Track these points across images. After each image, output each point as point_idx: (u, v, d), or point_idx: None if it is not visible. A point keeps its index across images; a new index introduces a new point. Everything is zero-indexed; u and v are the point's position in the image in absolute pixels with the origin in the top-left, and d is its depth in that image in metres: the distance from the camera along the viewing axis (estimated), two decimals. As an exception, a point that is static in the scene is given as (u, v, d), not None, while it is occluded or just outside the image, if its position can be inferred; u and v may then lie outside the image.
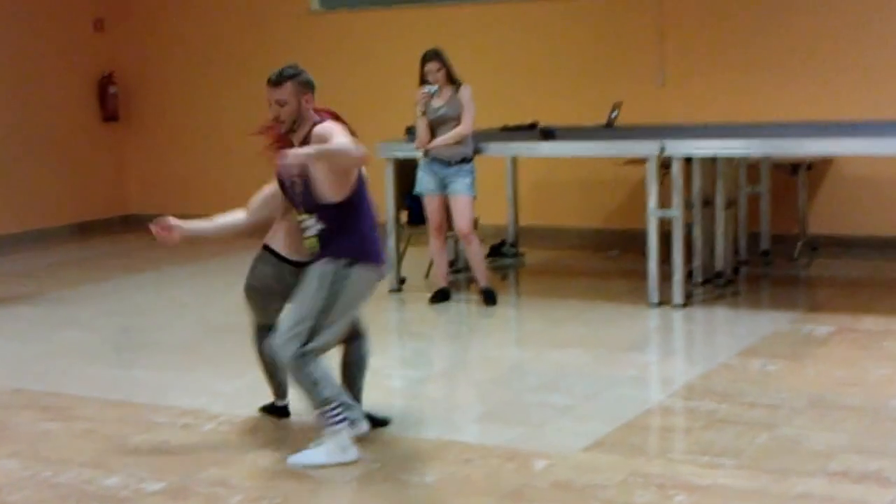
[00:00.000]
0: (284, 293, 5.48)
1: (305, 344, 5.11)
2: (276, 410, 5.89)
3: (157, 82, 13.43)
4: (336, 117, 5.40)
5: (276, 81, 5.23)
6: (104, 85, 13.38)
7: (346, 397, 5.29)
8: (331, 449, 5.16)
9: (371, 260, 5.29)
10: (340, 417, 5.15)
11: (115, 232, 13.27)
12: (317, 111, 5.35)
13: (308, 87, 5.28)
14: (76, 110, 13.17)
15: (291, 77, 5.24)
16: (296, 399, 5.54)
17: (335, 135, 5.11)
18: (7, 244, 12.12)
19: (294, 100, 5.22)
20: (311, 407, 5.19)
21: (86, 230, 13.12)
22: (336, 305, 5.17)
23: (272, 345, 5.22)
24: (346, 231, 5.24)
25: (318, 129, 5.22)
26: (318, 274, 5.21)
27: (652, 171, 8.25)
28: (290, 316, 5.23)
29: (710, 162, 8.88)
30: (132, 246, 12.33)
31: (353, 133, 5.28)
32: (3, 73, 12.31)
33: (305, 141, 5.23)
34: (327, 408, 5.13)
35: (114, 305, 9.23)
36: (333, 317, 5.17)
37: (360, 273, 5.23)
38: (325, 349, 5.22)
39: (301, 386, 5.15)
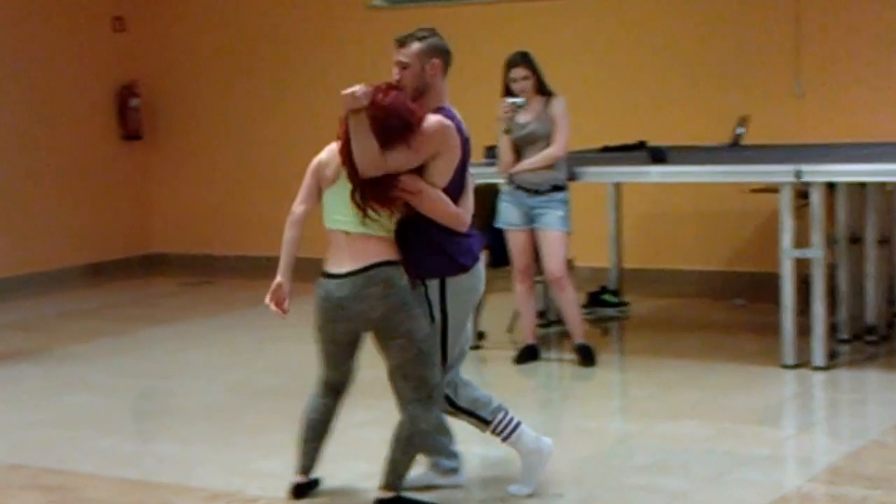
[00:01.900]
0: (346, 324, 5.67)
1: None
2: (309, 487, 5.93)
3: (186, 94, 13.59)
4: (459, 129, 5.64)
5: (402, 40, 5.65)
6: (124, 97, 13.56)
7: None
8: (530, 461, 5.90)
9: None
10: (515, 422, 5.87)
11: (134, 275, 13.41)
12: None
13: (437, 52, 5.67)
14: (91, 127, 13.34)
15: (421, 38, 5.65)
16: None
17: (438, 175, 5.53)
18: (7, 289, 12.25)
19: (417, 62, 5.60)
20: (484, 430, 5.86)
21: (100, 273, 13.26)
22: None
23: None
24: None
25: (431, 125, 5.52)
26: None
27: (786, 200, 8.19)
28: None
29: (859, 189, 8.79)
30: (155, 292, 12.45)
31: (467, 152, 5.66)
32: (3, 82, 12.51)
33: None
34: (498, 420, 5.84)
35: (132, 364, 9.31)
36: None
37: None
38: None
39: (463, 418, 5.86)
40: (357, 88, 5.41)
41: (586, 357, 8.56)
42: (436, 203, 5.53)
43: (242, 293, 11.93)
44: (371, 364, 5.88)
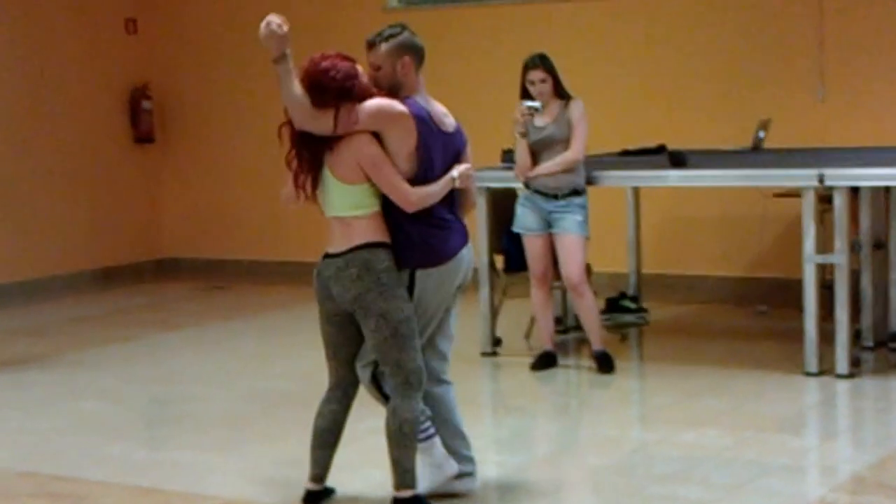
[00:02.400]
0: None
1: None
2: (322, 495, 5.94)
3: (199, 96, 13.60)
4: (419, 117, 5.70)
5: (371, 42, 5.76)
6: (136, 99, 13.57)
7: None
8: (431, 472, 5.79)
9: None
10: (432, 432, 5.78)
11: (146, 280, 13.43)
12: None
13: (406, 49, 5.75)
14: (103, 130, 13.35)
15: (389, 38, 5.74)
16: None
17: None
18: (16, 294, 12.28)
19: (388, 62, 5.71)
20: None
21: (112, 277, 13.28)
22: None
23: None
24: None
25: (375, 102, 5.61)
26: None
27: (809, 205, 8.16)
28: None
29: (883, 194, 8.78)
30: (167, 297, 12.46)
31: (456, 155, 5.82)
32: (12, 83, 12.54)
33: None
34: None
35: (144, 370, 9.32)
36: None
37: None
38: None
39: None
40: (271, 18, 5.72)
41: (605, 364, 8.54)
42: (385, 172, 5.59)
43: (256, 298, 11.94)
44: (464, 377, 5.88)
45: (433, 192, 5.69)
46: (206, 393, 8.55)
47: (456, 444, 5.97)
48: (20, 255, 12.49)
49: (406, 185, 5.61)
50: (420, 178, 5.68)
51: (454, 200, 5.85)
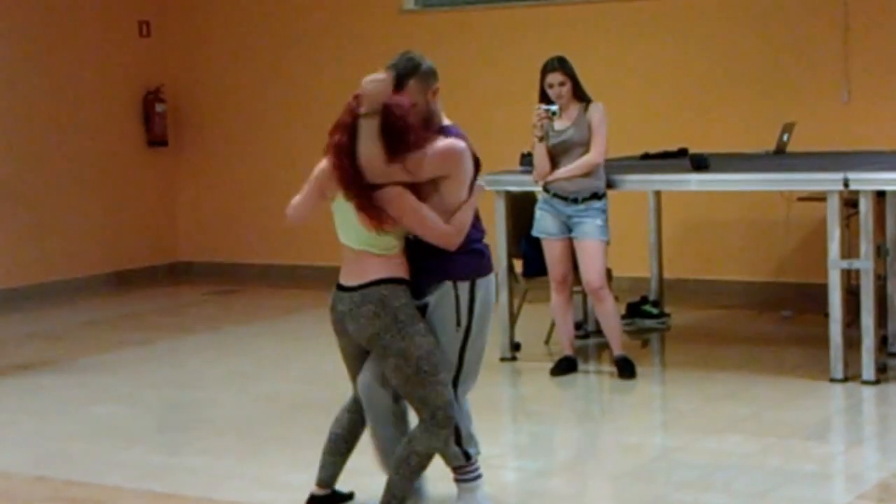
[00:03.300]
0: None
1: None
2: (328, 500, 5.93)
3: (213, 99, 13.62)
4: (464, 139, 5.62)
5: (397, 82, 5.56)
6: (150, 102, 13.61)
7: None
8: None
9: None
10: (479, 472, 5.72)
11: (160, 283, 13.45)
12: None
13: (432, 77, 5.66)
14: (116, 133, 13.39)
15: (412, 72, 5.60)
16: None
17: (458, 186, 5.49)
18: (31, 297, 12.32)
19: (421, 97, 5.58)
20: (448, 459, 5.66)
21: (126, 281, 13.31)
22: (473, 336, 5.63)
23: None
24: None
25: (441, 149, 5.48)
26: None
27: (833, 209, 8.15)
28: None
29: (909, 198, 8.75)
30: (181, 301, 12.48)
31: (476, 168, 5.63)
32: (27, 87, 12.58)
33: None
34: (469, 462, 5.67)
35: (158, 374, 9.34)
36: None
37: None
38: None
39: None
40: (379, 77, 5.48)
41: (626, 369, 8.53)
42: (424, 221, 5.47)
43: (270, 302, 11.96)
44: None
45: (468, 212, 5.57)
46: (222, 397, 8.57)
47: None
48: (34, 258, 12.53)
49: (445, 226, 5.49)
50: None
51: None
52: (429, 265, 5.56)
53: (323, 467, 5.91)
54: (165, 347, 10.23)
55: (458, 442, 5.65)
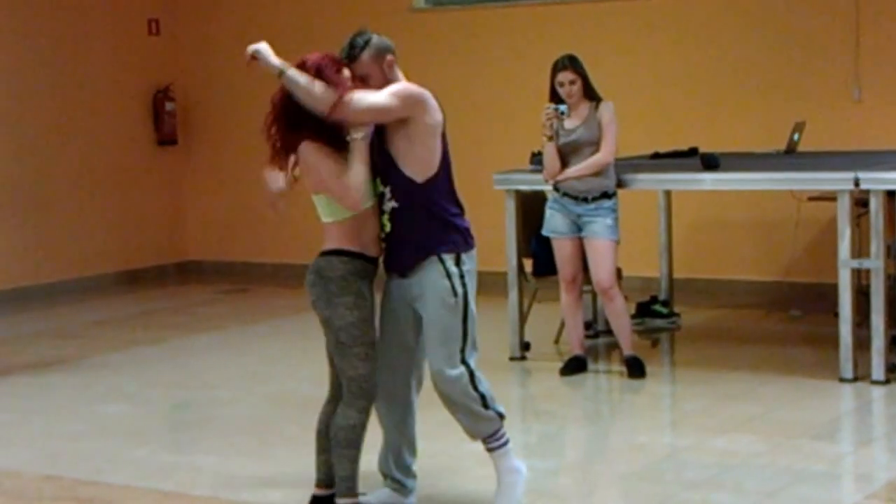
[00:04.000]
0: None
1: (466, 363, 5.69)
2: (329, 500, 5.95)
3: (223, 98, 13.64)
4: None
5: (349, 56, 5.73)
6: (160, 101, 13.64)
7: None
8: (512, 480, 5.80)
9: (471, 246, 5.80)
10: (507, 437, 5.81)
11: (170, 282, 13.49)
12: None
13: (386, 50, 5.76)
14: (125, 132, 13.42)
15: (364, 45, 5.73)
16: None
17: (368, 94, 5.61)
18: (40, 297, 12.36)
19: (376, 68, 5.72)
20: (474, 430, 5.75)
21: (135, 280, 13.34)
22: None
23: (438, 383, 5.66)
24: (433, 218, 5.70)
25: (394, 85, 5.66)
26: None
27: (844, 209, 8.15)
28: (434, 346, 5.68)
29: (920, 198, 8.75)
30: (191, 300, 12.50)
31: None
32: (36, 86, 12.62)
33: None
34: (499, 427, 5.75)
35: (168, 374, 9.36)
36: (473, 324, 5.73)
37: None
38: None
39: (466, 406, 5.70)
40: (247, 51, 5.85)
41: (636, 369, 8.54)
42: (321, 178, 5.63)
43: (280, 301, 11.97)
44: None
45: (355, 167, 5.60)
46: (230, 396, 8.59)
47: (404, 457, 6.02)
48: (43, 257, 12.57)
49: (340, 183, 5.58)
50: (446, 163, 5.74)
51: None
52: (412, 239, 5.68)
53: (317, 467, 5.95)
54: (175, 346, 10.25)
55: (486, 405, 5.76)
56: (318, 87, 5.56)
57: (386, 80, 5.72)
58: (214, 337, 10.62)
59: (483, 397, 5.73)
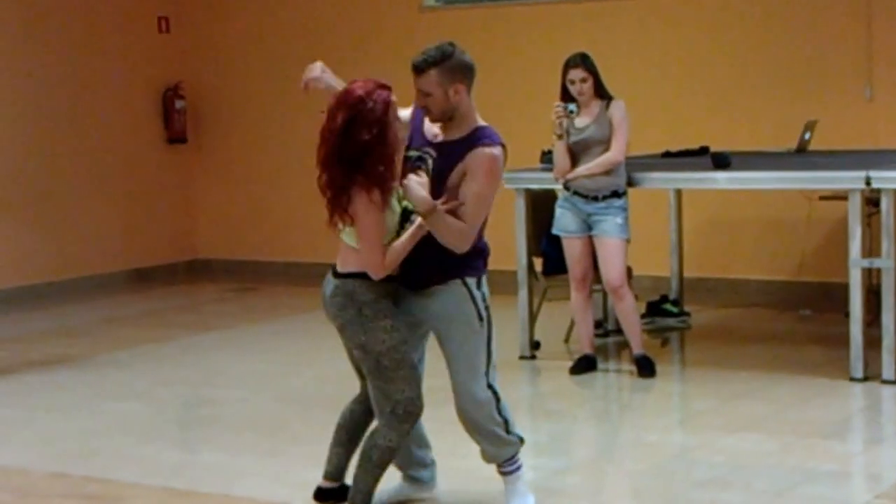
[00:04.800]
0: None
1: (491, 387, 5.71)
2: (336, 493, 5.95)
3: (233, 96, 13.66)
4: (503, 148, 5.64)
5: (418, 67, 5.50)
6: (170, 99, 13.66)
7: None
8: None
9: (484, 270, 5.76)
10: (521, 462, 5.86)
11: (179, 281, 13.51)
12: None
13: (458, 73, 5.49)
14: (135, 130, 13.44)
15: (438, 62, 5.46)
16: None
17: (480, 191, 5.51)
18: (50, 294, 12.39)
19: (439, 90, 5.47)
20: (495, 454, 5.78)
21: (145, 278, 13.37)
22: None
23: (467, 406, 5.67)
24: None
25: (479, 155, 5.51)
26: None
27: (855, 208, 8.15)
28: (461, 370, 5.65)
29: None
30: (200, 298, 12.52)
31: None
32: (46, 83, 12.64)
33: (461, 146, 5.52)
34: (516, 452, 5.80)
35: (177, 372, 9.38)
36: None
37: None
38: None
39: (491, 431, 5.71)
40: (409, 190, 5.43)
41: (645, 368, 8.54)
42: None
43: (289, 300, 11.99)
44: (427, 374, 5.88)
45: (401, 247, 5.50)
46: (240, 395, 8.60)
47: (417, 453, 6.02)
48: (53, 255, 12.60)
49: (376, 256, 5.45)
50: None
51: None
52: (437, 259, 5.53)
53: (328, 460, 5.94)
54: (184, 345, 10.26)
55: (508, 430, 5.77)
56: (463, 231, 5.47)
57: (447, 107, 5.52)
58: (224, 335, 10.63)
59: (506, 422, 5.74)
